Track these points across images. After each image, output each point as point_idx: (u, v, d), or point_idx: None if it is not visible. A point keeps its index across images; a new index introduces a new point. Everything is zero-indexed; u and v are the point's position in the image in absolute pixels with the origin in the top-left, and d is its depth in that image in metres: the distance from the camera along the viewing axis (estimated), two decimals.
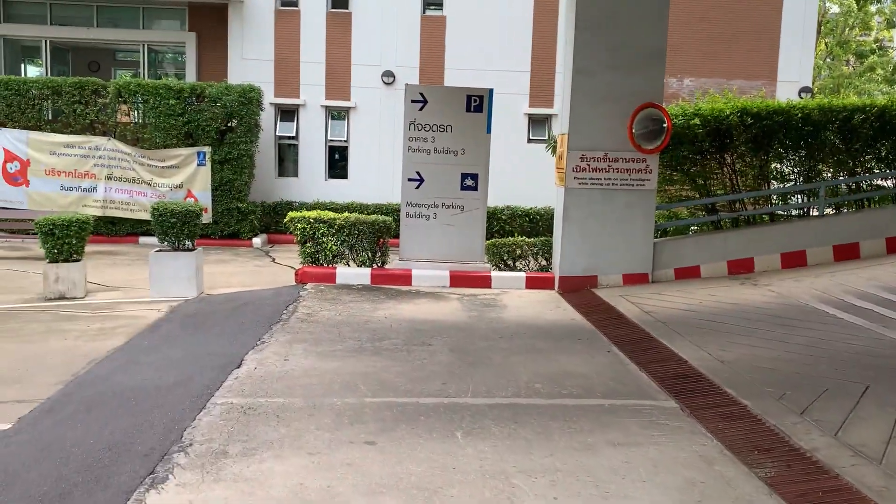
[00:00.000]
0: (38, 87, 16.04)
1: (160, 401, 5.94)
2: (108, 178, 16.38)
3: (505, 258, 11.34)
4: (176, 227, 10.28)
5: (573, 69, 10.39)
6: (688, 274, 10.86)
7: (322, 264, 10.90)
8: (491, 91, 11.28)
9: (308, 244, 10.80)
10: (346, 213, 10.97)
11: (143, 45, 19.10)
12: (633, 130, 10.37)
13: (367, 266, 10.92)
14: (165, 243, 10.50)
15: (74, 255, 10.33)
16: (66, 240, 10.11)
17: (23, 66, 19.88)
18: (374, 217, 10.97)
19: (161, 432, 5.27)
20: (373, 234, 10.84)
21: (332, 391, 6.18)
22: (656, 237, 10.96)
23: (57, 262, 10.17)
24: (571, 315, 9.34)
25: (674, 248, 10.94)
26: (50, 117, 16.92)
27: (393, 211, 18.01)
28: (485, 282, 10.86)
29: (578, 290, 10.46)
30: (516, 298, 10.24)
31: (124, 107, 16.69)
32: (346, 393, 6.14)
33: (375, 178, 18.64)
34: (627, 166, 10.46)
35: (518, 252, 11.28)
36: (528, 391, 6.29)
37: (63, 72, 19.98)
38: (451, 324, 8.73)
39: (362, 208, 18.04)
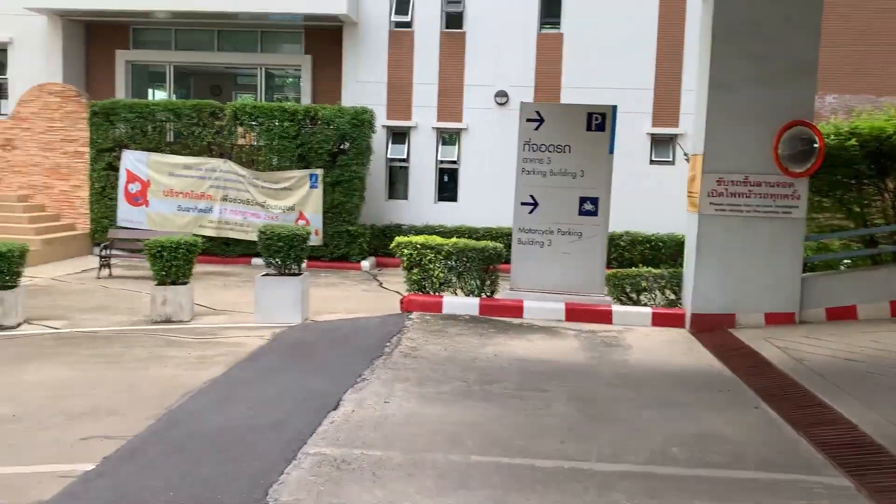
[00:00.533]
0: (160, 109, 16.43)
1: (250, 447, 5.41)
2: (224, 199, 16.53)
3: (627, 291, 10.34)
4: (283, 252, 9.95)
5: (709, 83, 9.36)
6: (842, 314, 9.49)
7: (428, 292, 10.27)
8: (614, 108, 10.38)
9: (414, 271, 10.22)
10: (454, 239, 10.33)
11: (261, 69, 19.38)
12: (779, 151, 9.20)
13: (476, 295, 10.21)
14: (272, 268, 10.19)
15: (182, 278, 10.18)
16: (173, 262, 9.97)
17: (149, 90, 20.60)
18: (483, 243, 10.26)
19: (246, 487, 4.71)
20: (482, 261, 10.13)
21: (435, 444, 5.47)
22: (804, 272, 9.67)
23: (164, 284, 10.05)
24: (707, 360, 8.25)
25: (826, 284, 9.62)
26: (171, 139, 17.31)
27: (504, 236, 17.28)
28: (605, 317, 9.91)
29: (713, 329, 9.33)
30: (642, 337, 9.22)
31: (240, 129, 16.85)
32: (450, 448, 5.41)
33: (486, 202, 17.99)
34: (772, 191, 9.28)
35: (643, 284, 10.26)
36: (665, 457, 5.35)
37: (185, 95, 20.57)
38: (569, 366, 7.85)
39: (472, 232, 17.42)
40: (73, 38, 18.93)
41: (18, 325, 9.70)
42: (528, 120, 10.14)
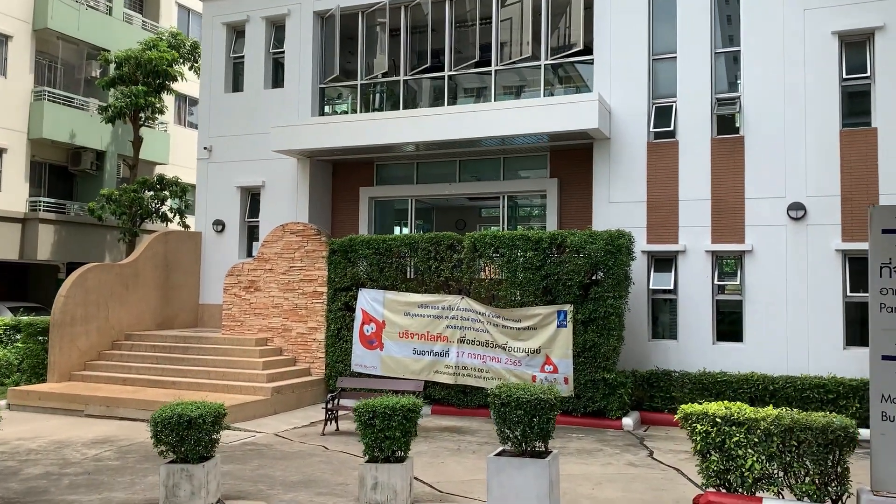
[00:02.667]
0: (397, 244, 15.19)
1: None
2: (461, 341, 14.54)
3: None
4: (523, 423, 7.37)
5: None
6: None
7: (736, 490, 6.96)
8: None
9: (713, 456, 7.02)
10: (772, 410, 7.02)
11: (503, 197, 17.77)
12: None
13: (816, 501, 6.68)
14: (508, 442, 7.61)
15: (398, 453, 7.94)
16: (387, 433, 7.80)
17: (394, 229, 19.91)
18: (822, 418, 6.81)
19: None
20: (823, 445, 6.67)
21: None
22: None
23: (376, 461, 7.86)
24: None
25: None
26: (410, 275, 15.97)
27: (812, 388, 13.27)
28: None
29: None
30: None
31: (480, 262, 15.04)
32: None
33: (781, 342, 14.14)
34: None
35: None
36: None
37: (428, 230, 19.52)
38: None
39: (766, 383, 13.58)
40: (319, 178, 18.86)
41: None
42: (887, 231, 6.77)
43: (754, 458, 6.75)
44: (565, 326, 13.73)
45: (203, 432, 7.88)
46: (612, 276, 13.57)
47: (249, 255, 19.09)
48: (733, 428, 6.88)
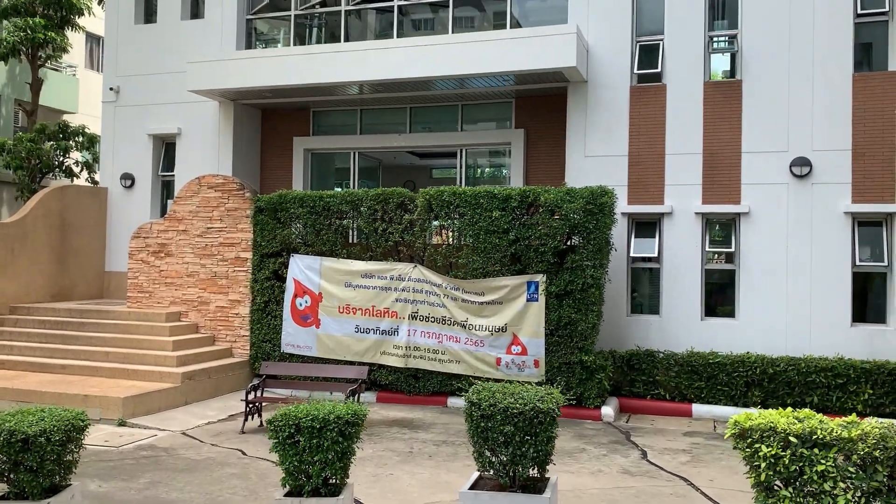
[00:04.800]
0: (336, 202, 12.73)
1: None
2: (413, 317, 12.26)
3: None
4: (513, 445, 5.15)
5: None
6: None
7: None
8: None
9: (784, 492, 4.90)
10: (867, 424, 4.93)
11: (461, 151, 15.42)
12: None
13: None
14: (488, 468, 5.38)
15: (331, 482, 5.65)
16: (316, 456, 5.48)
17: (334, 188, 17.40)
18: None
19: None
20: None
21: None
22: None
23: (300, 495, 5.54)
24: None
25: None
26: (353, 240, 13.59)
27: (821, 371, 11.48)
28: None
29: None
30: None
31: (435, 224, 12.75)
32: None
33: (781, 318, 12.31)
34: None
35: None
36: None
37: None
38: None
39: (765, 364, 11.74)
40: (246, 126, 16.17)
41: None
42: None
43: (848, 497, 4.68)
44: (536, 300, 11.58)
45: (47, 455, 5.42)
46: (593, 241, 11.43)
47: (164, 215, 16.36)
48: (815, 451, 4.78)
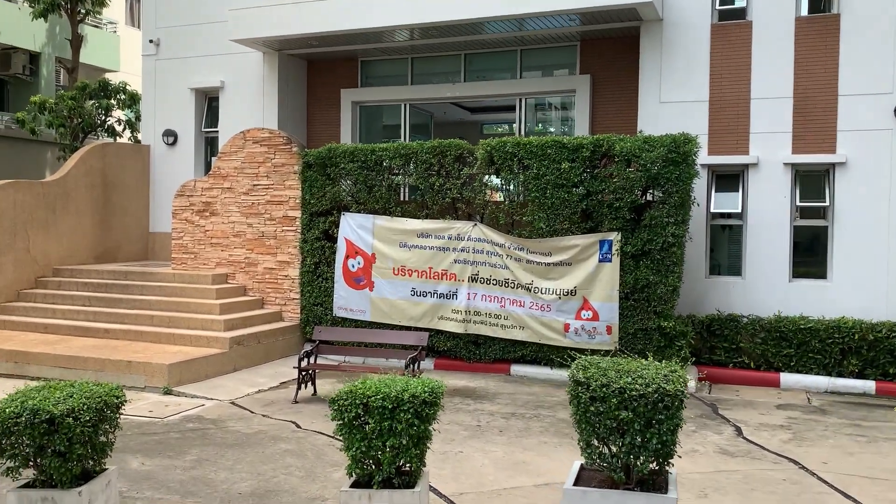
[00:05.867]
0: (389, 156, 11.81)
1: None
2: (473, 279, 11.37)
3: None
4: (631, 433, 4.23)
5: None
6: None
7: None
8: None
9: None
10: None
11: (520, 101, 14.31)
12: None
13: None
14: (594, 458, 4.48)
15: (405, 468, 4.83)
16: (388, 441, 4.65)
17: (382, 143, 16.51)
18: None
19: None
20: None
21: None
22: None
23: (368, 486, 4.73)
24: None
25: None
26: (405, 197, 12.71)
27: None
28: None
29: None
30: None
31: (497, 179, 11.77)
32: None
33: (882, 279, 11.10)
34: None
35: None
36: None
37: None
38: None
39: (864, 330, 10.61)
40: (291, 78, 15.28)
41: None
42: None
43: None
44: (609, 261, 10.56)
45: (76, 437, 4.69)
46: (675, 194, 10.33)
47: (208, 172, 15.65)
48: None
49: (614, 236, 10.52)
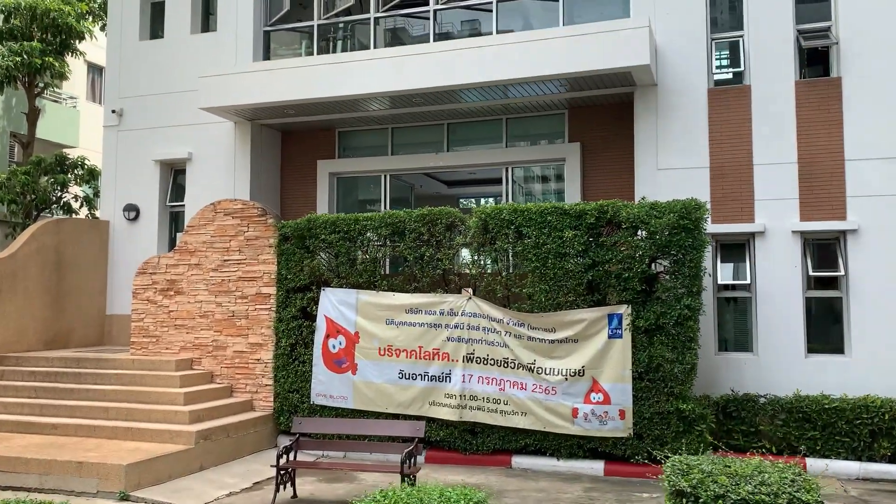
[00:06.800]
0: (374, 225, 10.91)
1: None
2: (468, 359, 10.34)
3: None
4: None
5: None
6: None
7: None
8: None
9: None
10: None
11: (507, 169, 13.65)
12: None
13: None
14: None
15: None
16: None
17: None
18: None
19: None
20: None
21: None
22: None
23: None
24: None
25: None
26: (387, 270, 11.77)
27: None
28: None
29: None
30: None
31: (494, 248, 10.91)
32: None
33: None
34: None
35: None
36: None
37: None
38: None
39: (892, 410, 9.78)
40: (264, 149, 14.48)
41: None
42: None
43: None
44: (620, 337, 9.67)
45: None
46: (689, 263, 9.57)
47: (173, 248, 14.54)
48: None
49: (624, 309, 9.66)
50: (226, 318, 11.78)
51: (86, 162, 18.95)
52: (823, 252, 11.13)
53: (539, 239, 9.98)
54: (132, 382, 11.24)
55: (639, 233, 9.77)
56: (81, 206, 19.47)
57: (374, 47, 13.88)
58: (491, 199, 17.06)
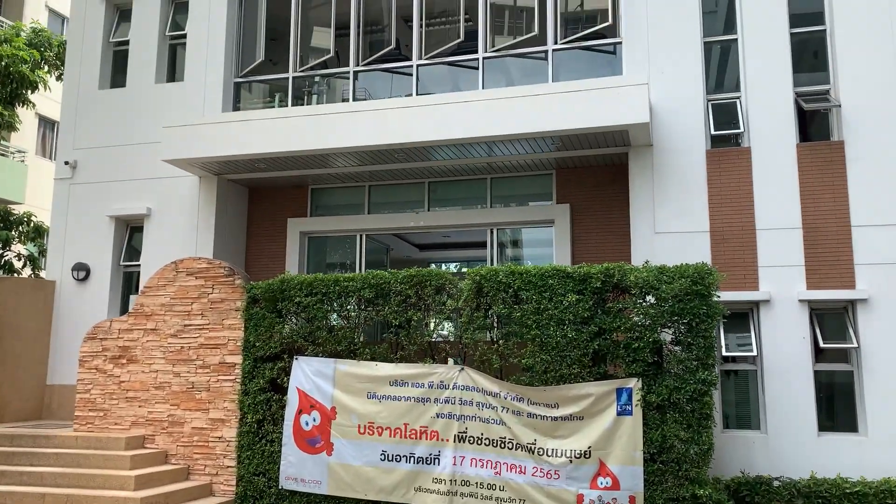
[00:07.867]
0: (356, 287, 9.92)
1: None
2: (460, 438, 9.29)
3: None
4: None
5: None
6: None
7: None
8: None
9: None
10: None
11: (491, 231, 12.90)
12: None
13: None
14: None
15: None
16: None
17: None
18: None
19: None
20: None
21: None
22: None
23: None
24: None
25: None
26: (363, 337, 10.72)
27: None
28: None
29: None
30: None
31: (489, 313, 10.00)
32: None
33: None
34: None
35: None
36: None
37: None
38: None
39: None
40: (231, 207, 13.52)
41: None
42: None
43: None
44: (630, 414, 8.77)
45: None
46: (703, 332, 8.80)
47: (127, 311, 13.28)
48: None
49: (634, 383, 8.80)
50: (184, 389, 10.54)
51: (32, 218, 17.63)
52: (832, 322, 10.53)
53: (540, 304, 9.13)
54: (75, 464, 9.86)
55: (647, 299, 9.00)
56: (25, 265, 18.05)
57: (353, 101, 13.19)
58: (465, 265, 16.29)
